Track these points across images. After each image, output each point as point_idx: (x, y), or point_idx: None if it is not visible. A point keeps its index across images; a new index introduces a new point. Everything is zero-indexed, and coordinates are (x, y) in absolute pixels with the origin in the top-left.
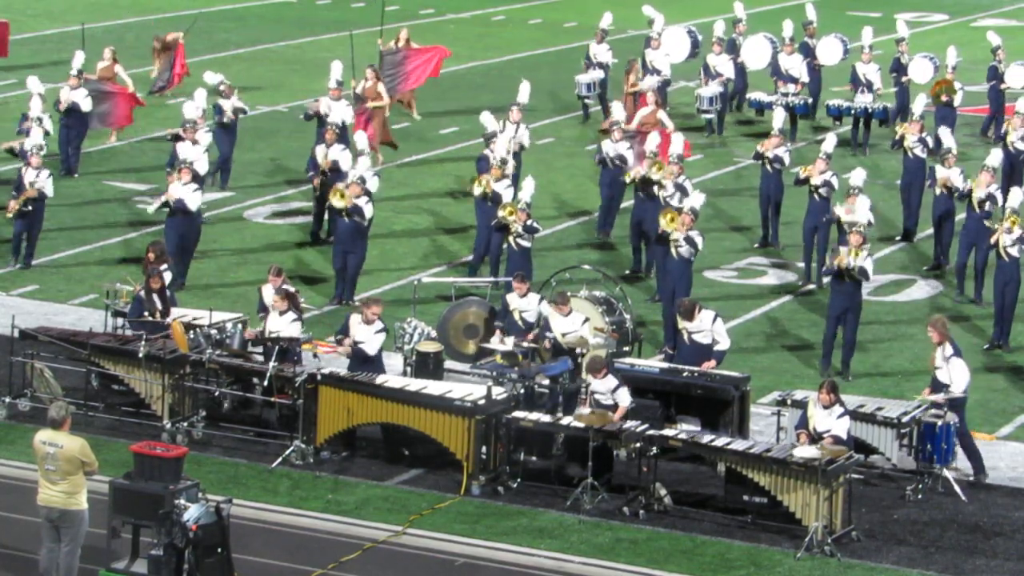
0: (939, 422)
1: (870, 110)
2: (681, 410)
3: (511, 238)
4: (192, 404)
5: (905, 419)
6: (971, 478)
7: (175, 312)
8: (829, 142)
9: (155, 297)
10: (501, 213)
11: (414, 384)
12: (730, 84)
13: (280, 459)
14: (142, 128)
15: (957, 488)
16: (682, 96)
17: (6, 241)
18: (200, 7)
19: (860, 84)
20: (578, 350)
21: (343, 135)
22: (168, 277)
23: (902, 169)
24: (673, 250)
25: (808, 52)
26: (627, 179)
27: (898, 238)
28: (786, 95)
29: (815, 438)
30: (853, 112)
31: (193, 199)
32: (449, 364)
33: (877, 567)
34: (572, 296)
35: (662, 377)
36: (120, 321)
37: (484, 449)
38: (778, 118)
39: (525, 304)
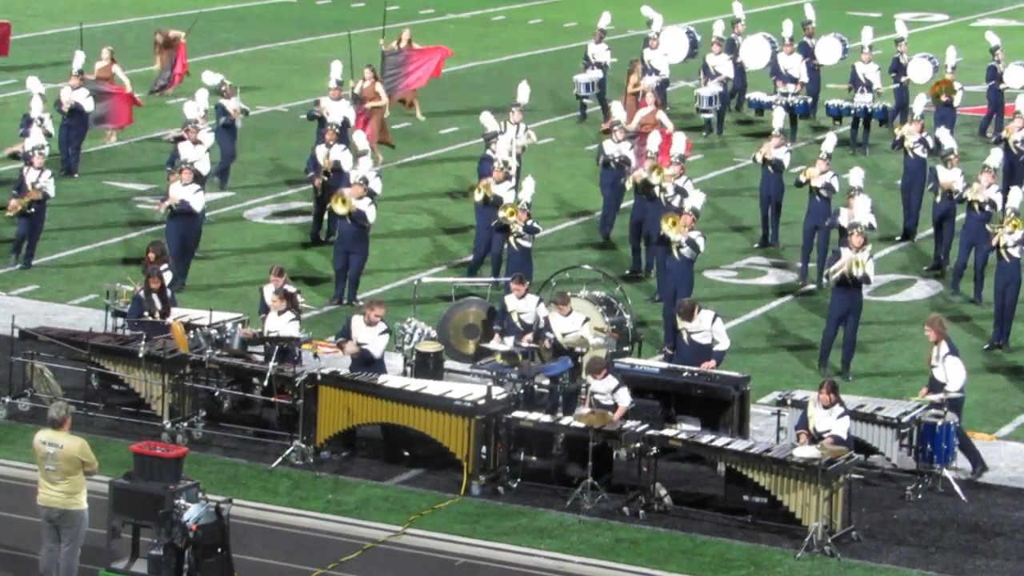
0: (939, 422)
1: (870, 110)
2: (681, 410)
3: (511, 238)
4: (192, 404)
5: (905, 419)
6: (971, 474)
7: (175, 312)
8: (829, 142)
9: (154, 297)
10: (502, 214)
11: (414, 384)
12: (729, 84)
13: (280, 459)
14: (142, 128)
15: (957, 488)
16: (682, 96)
17: (5, 241)
18: (200, 7)
19: (860, 84)
20: (578, 349)
21: (343, 135)
22: (168, 277)
23: (903, 169)
24: (675, 251)
25: (807, 52)
26: (628, 184)
27: (898, 238)
28: (785, 95)
29: (815, 438)
30: (853, 112)
31: (197, 200)
32: (449, 364)
33: (877, 567)
34: (572, 296)
35: (662, 377)
36: (120, 321)
37: (484, 449)
38: (778, 118)
39: (523, 305)
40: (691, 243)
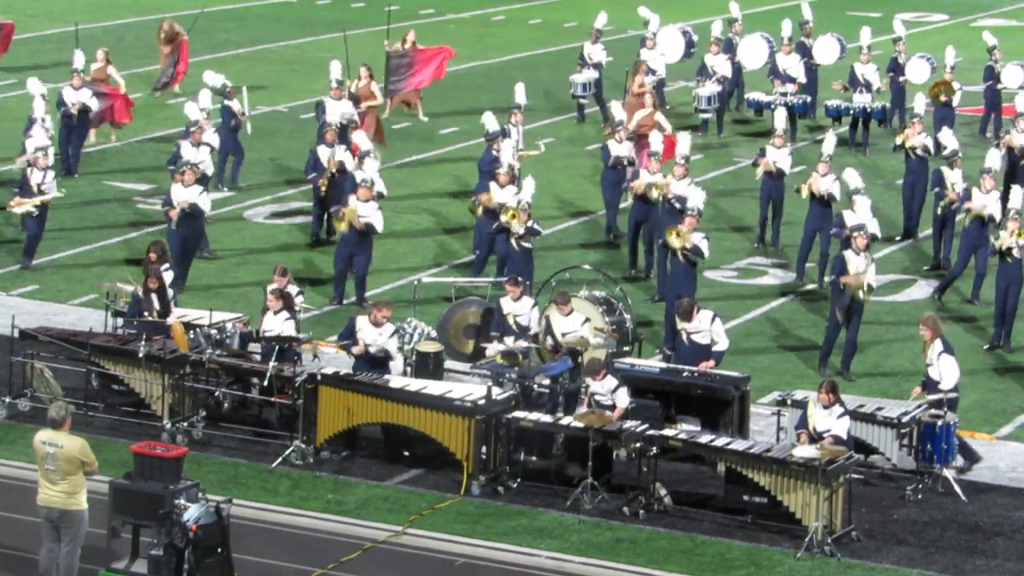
0: (939, 422)
1: (869, 110)
2: (681, 410)
3: (512, 239)
4: (192, 404)
5: (905, 419)
6: (963, 467)
7: (175, 312)
8: (829, 143)
9: (153, 297)
10: (504, 218)
11: (414, 384)
12: (726, 84)
13: (280, 459)
14: (142, 128)
15: (957, 488)
16: (681, 96)
17: (4, 242)
18: (201, 6)
19: (858, 84)
20: (578, 348)
21: (343, 135)
22: (169, 277)
23: (904, 169)
24: (680, 255)
25: (805, 52)
26: (631, 193)
27: (898, 238)
28: (784, 95)
29: (815, 438)
30: (852, 112)
31: (204, 201)
32: (449, 364)
33: (877, 567)
34: (572, 296)
35: (662, 377)
36: (120, 321)
37: (484, 449)
38: (780, 118)
39: (519, 308)
40: (696, 251)
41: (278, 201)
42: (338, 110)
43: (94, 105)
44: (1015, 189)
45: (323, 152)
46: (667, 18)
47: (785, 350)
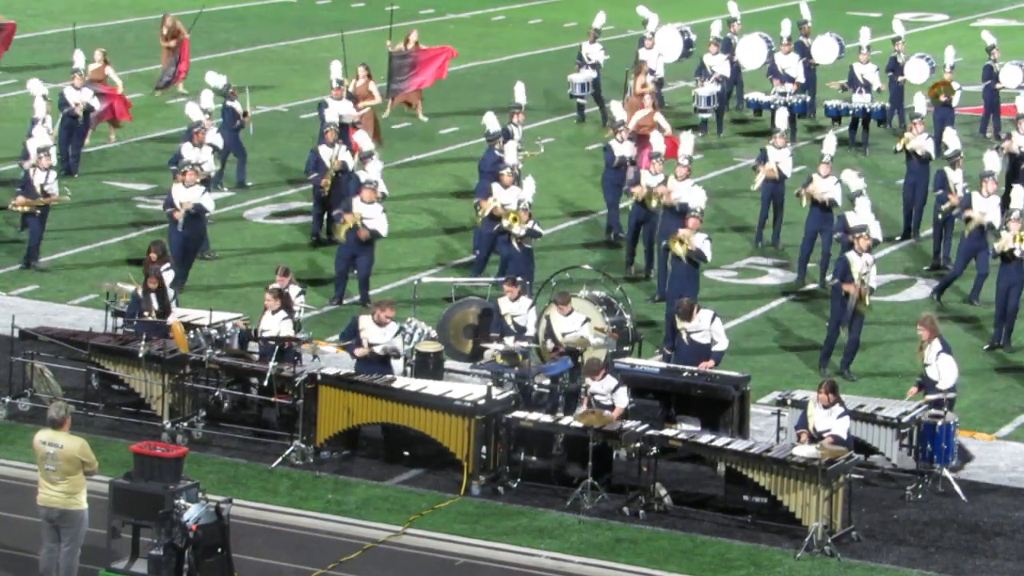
0: (939, 422)
1: (868, 110)
2: (681, 410)
3: (513, 240)
4: (192, 404)
5: (905, 419)
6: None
7: (176, 312)
8: (830, 144)
9: (152, 297)
10: (506, 222)
11: (414, 384)
12: (725, 83)
13: (280, 459)
14: (142, 128)
15: (957, 488)
16: (680, 96)
17: (4, 242)
18: (200, 6)
19: (858, 84)
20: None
21: (343, 134)
22: (170, 277)
23: (905, 170)
24: (683, 257)
25: (803, 51)
26: (633, 197)
27: (898, 238)
28: (784, 94)
29: (815, 438)
30: (851, 112)
31: (208, 201)
32: (449, 364)
33: (877, 567)
34: (572, 296)
35: (662, 377)
36: (120, 321)
37: (484, 449)
38: (781, 119)
39: (516, 308)
40: (699, 255)
41: (278, 201)
42: (338, 110)
43: (96, 104)
44: (1016, 189)
45: (324, 152)
46: (666, 18)
47: (785, 350)
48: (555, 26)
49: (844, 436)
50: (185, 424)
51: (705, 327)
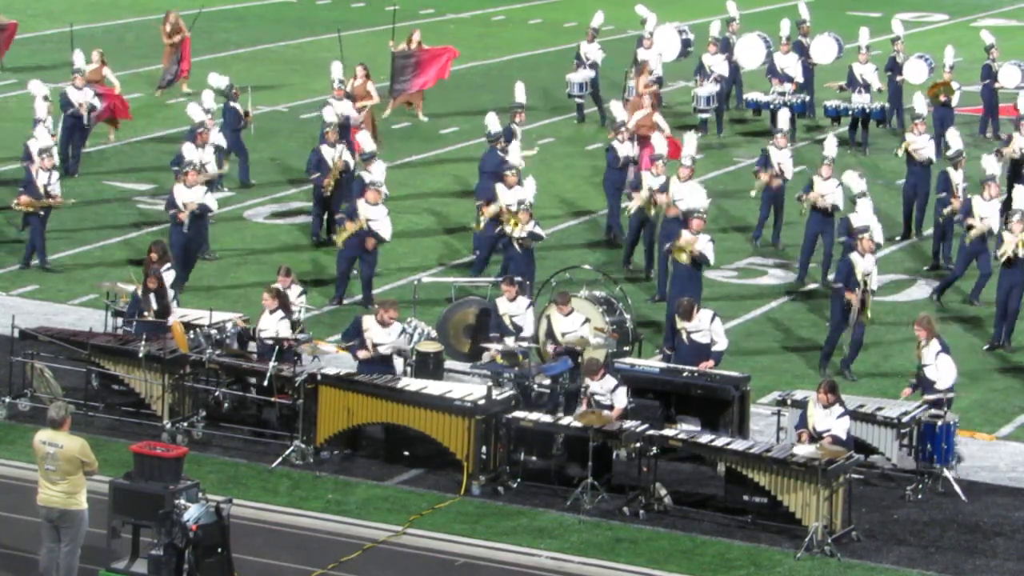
0: (939, 422)
1: (868, 110)
2: (681, 410)
3: (515, 242)
4: (192, 404)
5: (905, 419)
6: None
7: (176, 312)
8: (831, 145)
9: (151, 297)
10: (508, 228)
11: (414, 384)
12: (723, 83)
13: (280, 459)
14: (142, 128)
15: (957, 488)
16: (680, 96)
17: (6, 242)
18: (199, 6)
19: (857, 84)
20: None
21: (344, 134)
22: (171, 277)
23: (906, 171)
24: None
25: (802, 51)
26: (631, 208)
27: (898, 238)
28: (783, 94)
29: (815, 438)
30: (851, 112)
31: (211, 201)
32: (449, 364)
33: (877, 567)
34: (572, 296)
35: (662, 377)
36: (120, 321)
37: (484, 449)
38: (783, 119)
39: (514, 308)
40: (702, 258)
41: (278, 201)
42: (339, 110)
43: (98, 104)
44: (1018, 190)
45: (326, 152)
46: (665, 17)
47: (785, 350)
48: (555, 26)
49: (843, 436)
50: (185, 424)
51: (705, 327)
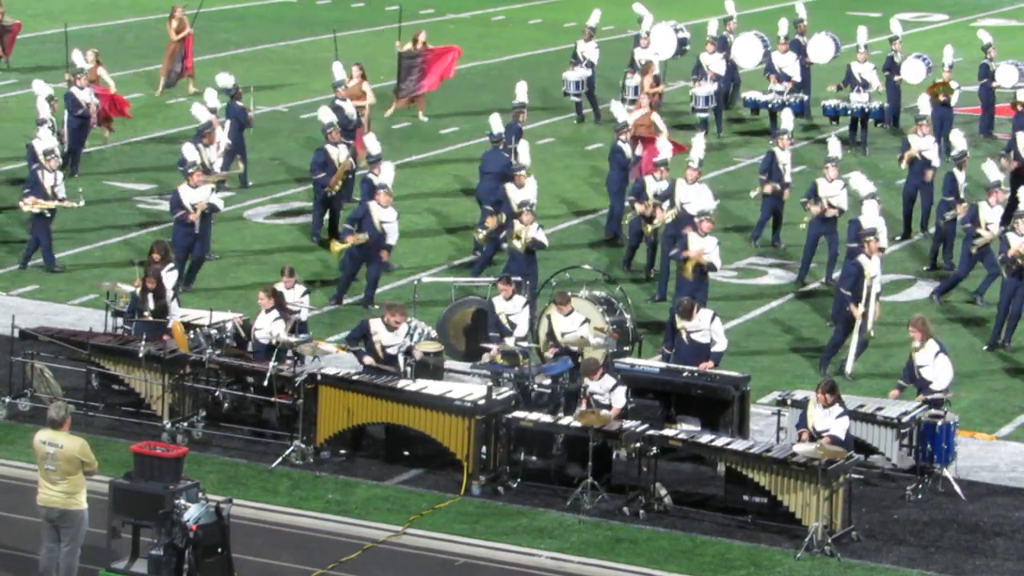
0: (939, 422)
1: (866, 109)
2: (681, 410)
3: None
4: (192, 404)
5: (905, 419)
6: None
7: (176, 312)
8: (834, 146)
9: (149, 296)
10: (517, 244)
11: (414, 384)
12: (721, 82)
13: (280, 459)
14: (142, 128)
15: (957, 488)
16: (678, 96)
17: (9, 241)
18: (198, 6)
19: (856, 84)
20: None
21: (347, 135)
22: (174, 277)
23: (908, 171)
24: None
25: (800, 50)
26: (626, 218)
27: (898, 238)
28: (781, 93)
29: (815, 437)
30: (850, 112)
31: (218, 200)
32: (449, 364)
33: (877, 567)
34: (572, 296)
35: (662, 377)
36: (120, 321)
37: (484, 449)
38: (787, 119)
39: (511, 307)
40: (710, 267)
41: (278, 201)
42: (347, 111)
43: (95, 104)
44: (1023, 191)
45: (332, 152)
46: (662, 17)
47: (785, 350)
48: (555, 26)
49: (842, 436)
50: (185, 424)
51: (705, 327)
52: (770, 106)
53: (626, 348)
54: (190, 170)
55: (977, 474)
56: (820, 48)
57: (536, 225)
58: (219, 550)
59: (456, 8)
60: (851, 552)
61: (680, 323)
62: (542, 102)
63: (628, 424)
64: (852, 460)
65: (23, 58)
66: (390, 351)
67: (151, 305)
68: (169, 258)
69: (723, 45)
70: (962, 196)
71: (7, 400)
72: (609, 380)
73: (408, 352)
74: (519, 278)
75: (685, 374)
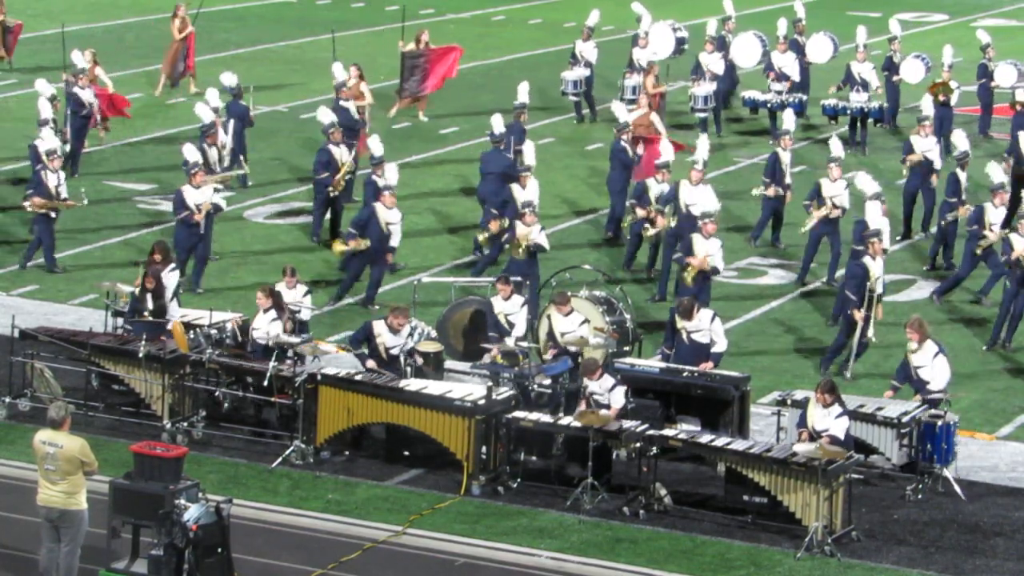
0: (939, 422)
1: (866, 109)
2: (681, 410)
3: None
4: (192, 404)
5: (905, 419)
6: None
7: (176, 312)
8: (836, 146)
9: (147, 296)
10: (521, 252)
11: (414, 384)
12: (720, 81)
13: (280, 459)
14: (142, 128)
15: (957, 488)
16: (677, 95)
17: (4, 243)
18: (198, 5)
19: (855, 83)
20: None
21: (350, 135)
22: (176, 277)
23: (910, 172)
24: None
25: (798, 50)
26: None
27: (898, 238)
28: (780, 93)
29: (815, 437)
30: (849, 112)
31: (221, 200)
32: (449, 364)
33: (877, 567)
34: (572, 296)
35: (662, 377)
36: (120, 321)
37: (484, 449)
38: (789, 120)
39: (509, 307)
40: (714, 271)
41: (278, 201)
42: (346, 111)
43: (96, 103)
44: None
45: (335, 152)
46: (661, 17)
47: (785, 350)
48: (555, 26)
49: (841, 436)
50: (185, 424)
51: (705, 327)
52: (769, 105)
53: (626, 348)
54: (192, 170)
55: (977, 474)
56: (818, 48)
57: (539, 227)
58: (219, 550)
59: (456, 8)
60: (851, 552)
61: (680, 323)
62: (542, 102)
63: (628, 424)
64: (852, 460)
65: (23, 58)
66: (393, 352)
67: (150, 305)
68: (170, 258)
69: (722, 45)
70: (964, 197)
71: (7, 400)
72: (608, 380)
73: (410, 353)
74: (518, 278)
75: (685, 374)
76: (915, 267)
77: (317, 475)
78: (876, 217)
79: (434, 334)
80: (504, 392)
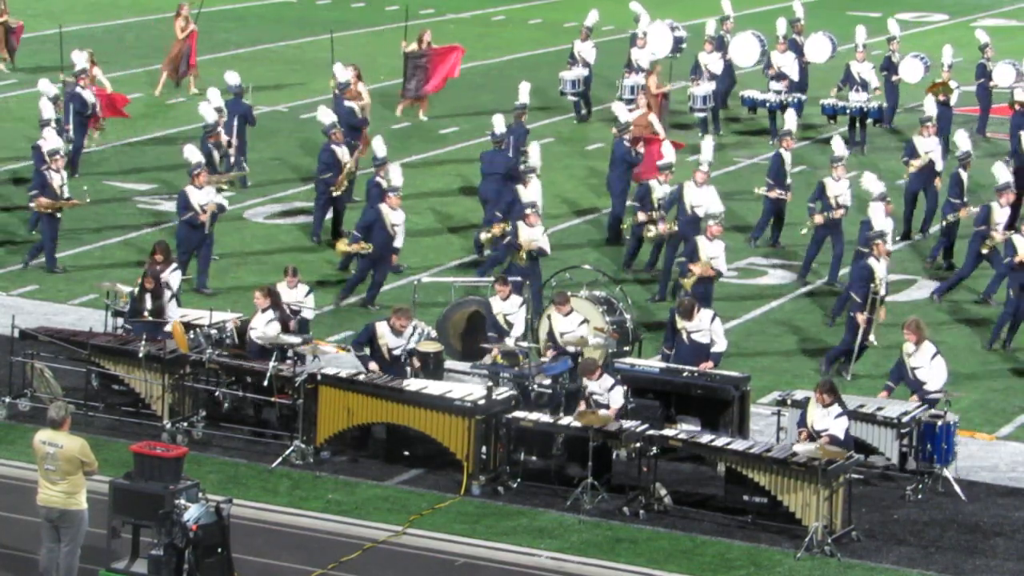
0: (939, 422)
1: (865, 109)
2: (681, 410)
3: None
4: (192, 404)
5: (905, 419)
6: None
7: (176, 312)
8: (839, 146)
9: (147, 296)
10: (524, 258)
11: (414, 384)
12: (718, 81)
13: (280, 459)
14: (142, 128)
15: (957, 488)
16: (676, 95)
17: (4, 243)
18: (199, 5)
19: (854, 83)
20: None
21: (351, 135)
22: (178, 277)
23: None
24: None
25: (797, 49)
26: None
27: (898, 238)
28: (779, 93)
29: (814, 437)
30: (848, 111)
31: (224, 201)
32: (449, 364)
33: (877, 567)
34: (572, 296)
35: (662, 377)
36: (120, 321)
37: (484, 449)
38: (791, 120)
39: (508, 307)
40: (717, 274)
41: (278, 201)
42: (351, 111)
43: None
44: None
45: (341, 152)
46: (660, 17)
47: (785, 350)
48: (555, 26)
49: (841, 436)
50: (185, 424)
51: (705, 327)
52: (768, 105)
53: (626, 348)
54: (195, 170)
55: (977, 474)
56: (817, 48)
57: (542, 230)
58: (219, 550)
59: (456, 8)
60: (851, 552)
61: (680, 323)
62: (542, 102)
63: (628, 424)
64: (852, 460)
65: (24, 58)
66: (396, 353)
67: (148, 305)
68: (171, 259)
69: (721, 45)
70: (966, 198)
71: (7, 400)
72: (607, 380)
73: (411, 353)
74: (518, 278)
75: (685, 374)
76: (915, 267)
77: (317, 475)
78: (880, 218)
79: (434, 334)
80: (504, 392)
